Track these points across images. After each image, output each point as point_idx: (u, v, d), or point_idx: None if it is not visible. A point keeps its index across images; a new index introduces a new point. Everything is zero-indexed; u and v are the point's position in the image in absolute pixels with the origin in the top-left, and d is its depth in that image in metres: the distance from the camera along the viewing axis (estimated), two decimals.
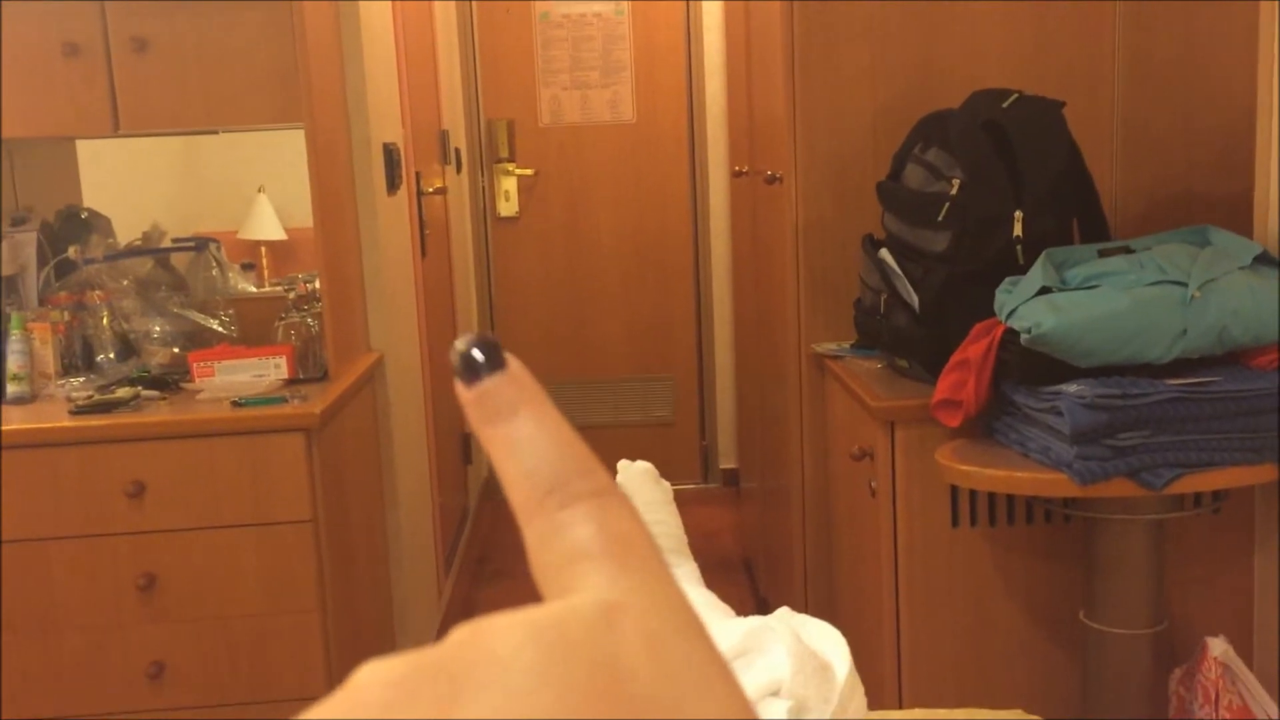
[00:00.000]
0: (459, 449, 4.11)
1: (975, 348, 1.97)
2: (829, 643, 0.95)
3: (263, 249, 3.03)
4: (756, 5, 3.00)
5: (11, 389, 2.32)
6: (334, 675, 2.26)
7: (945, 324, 2.10)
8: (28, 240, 2.51)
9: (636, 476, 1.20)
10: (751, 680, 0.90)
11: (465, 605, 3.60)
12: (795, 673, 0.89)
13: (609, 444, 4.70)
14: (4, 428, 2.19)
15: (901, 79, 2.48)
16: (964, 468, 1.92)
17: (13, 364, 2.32)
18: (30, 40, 2.31)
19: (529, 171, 4.55)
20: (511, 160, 4.54)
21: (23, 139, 2.61)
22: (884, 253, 2.24)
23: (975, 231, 2.07)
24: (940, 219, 2.09)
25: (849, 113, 2.51)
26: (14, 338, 2.32)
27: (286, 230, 3.04)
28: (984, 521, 2.12)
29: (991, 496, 2.10)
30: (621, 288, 4.67)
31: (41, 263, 2.53)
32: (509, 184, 4.55)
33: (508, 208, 4.58)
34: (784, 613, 0.98)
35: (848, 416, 2.37)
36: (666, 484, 1.23)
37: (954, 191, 2.08)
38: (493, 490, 4.66)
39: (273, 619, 2.22)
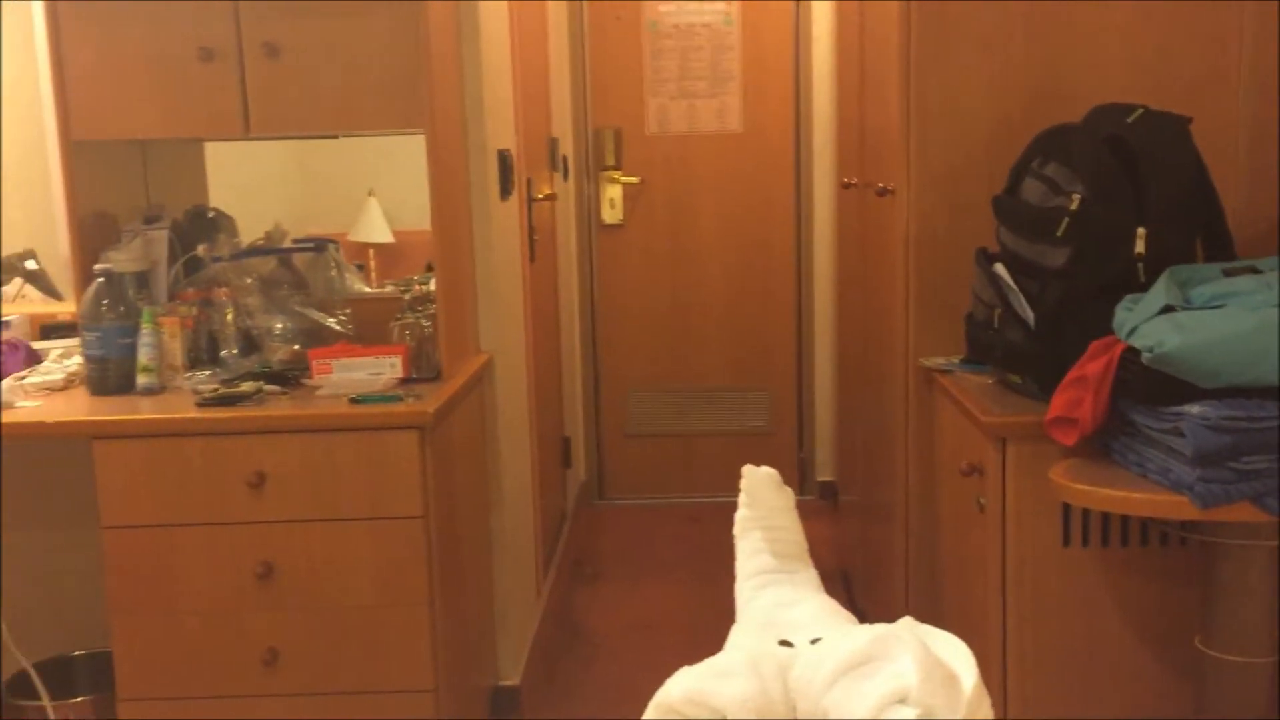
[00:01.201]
0: (559, 452, 4.15)
1: (1093, 365, 1.94)
2: (955, 654, 0.96)
3: (371, 251, 3.11)
4: (871, 10, 3.00)
5: (141, 380, 2.41)
6: (440, 668, 2.31)
7: (1061, 340, 2.07)
8: (160, 238, 2.61)
9: (761, 482, 1.22)
10: (877, 687, 0.91)
11: (562, 606, 3.64)
12: (923, 681, 0.89)
13: (704, 453, 4.72)
14: (134, 417, 2.28)
15: (1021, 91, 2.45)
16: (1079, 487, 1.90)
17: (143, 356, 2.41)
18: (168, 45, 2.41)
19: (634, 180, 4.59)
20: (617, 168, 4.58)
21: (158, 140, 2.73)
22: (999, 267, 2.22)
23: (1095, 247, 2.04)
24: (1059, 234, 2.06)
25: (965, 124, 2.49)
26: (144, 331, 2.42)
27: (394, 233, 3.12)
28: (1096, 542, 2.08)
29: (1105, 516, 2.06)
30: (723, 297, 4.68)
31: (171, 260, 2.63)
32: (614, 192, 4.60)
33: (612, 215, 4.62)
34: (908, 622, 0.98)
35: (956, 431, 2.35)
36: (789, 490, 1.24)
37: (1074, 207, 2.05)
38: (589, 494, 4.70)
39: (383, 611, 2.28)
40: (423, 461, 2.26)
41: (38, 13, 2.52)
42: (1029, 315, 2.13)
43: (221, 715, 2.28)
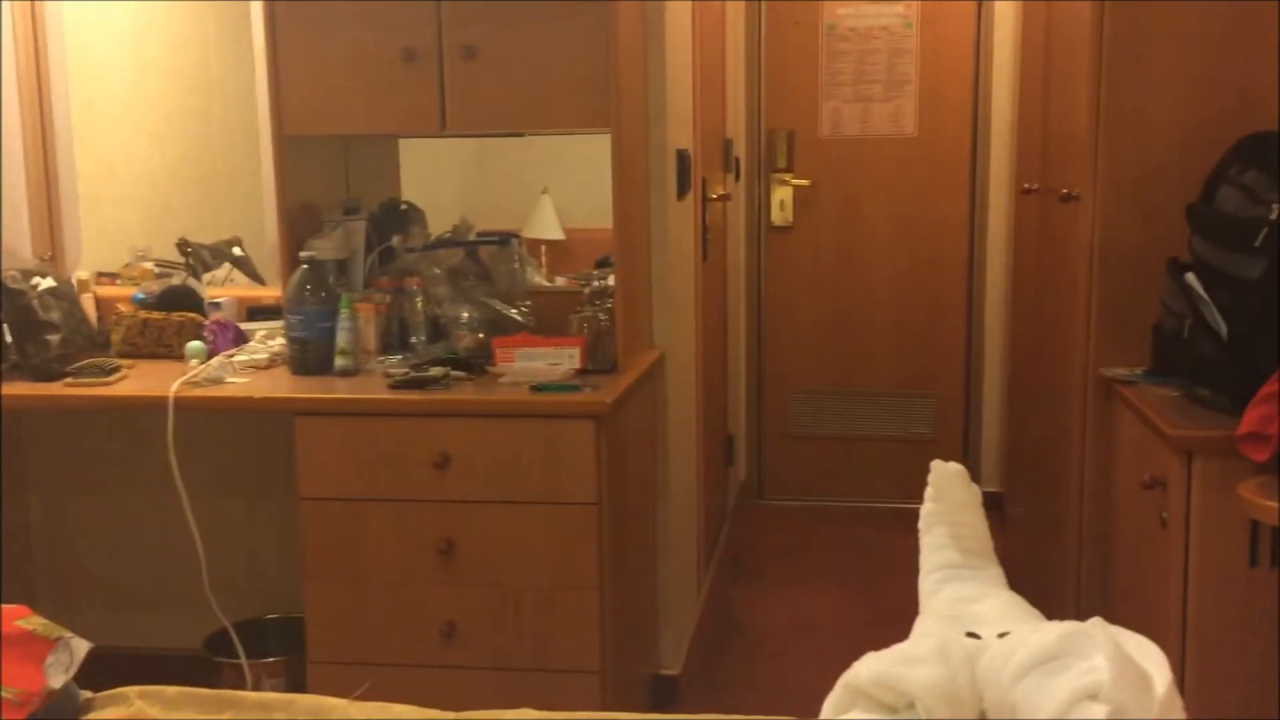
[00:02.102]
0: (723, 450, 4.20)
1: None
2: (1148, 656, 0.96)
3: (543, 247, 3.21)
4: (1060, 11, 2.95)
5: (338, 362, 2.55)
6: (607, 651, 2.38)
7: (1256, 354, 2.02)
8: (358, 228, 2.76)
9: (949, 477, 1.23)
10: (1068, 682, 0.92)
11: (722, 602, 3.68)
12: (1115, 679, 0.90)
13: (868, 457, 4.69)
14: (333, 396, 2.42)
15: (1218, 96, 2.39)
16: (1270, 503, 1.84)
17: (341, 339, 2.56)
18: (374, 46, 2.54)
19: (805, 182, 4.60)
20: (789, 170, 4.60)
21: (358, 135, 2.88)
22: (1191, 277, 2.17)
23: None
24: (1257, 244, 2.01)
25: (1157, 129, 2.43)
26: (343, 315, 2.56)
27: (564, 230, 3.21)
28: None
29: None
30: (890, 302, 4.64)
31: (368, 250, 2.77)
32: (785, 194, 4.62)
33: (782, 217, 4.64)
34: (1099, 622, 0.99)
35: (1138, 444, 2.30)
36: (976, 488, 1.25)
37: (1274, 216, 2.00)
38: (749, 494, 4.73)
39: (556, 592, 2.36)
40: (598, 450, 2.33)
41: (255, 13, 2.69)
42: (1222, 327, 2.07)
43: (401, 682, 2.40)
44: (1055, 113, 3.04)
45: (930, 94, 4.49)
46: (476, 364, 2.56)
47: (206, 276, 3.04)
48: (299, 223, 2.72)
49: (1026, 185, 3.50)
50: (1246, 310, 2.04)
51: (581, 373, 2.51)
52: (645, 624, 2.86)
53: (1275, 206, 2.00)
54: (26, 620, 1.57)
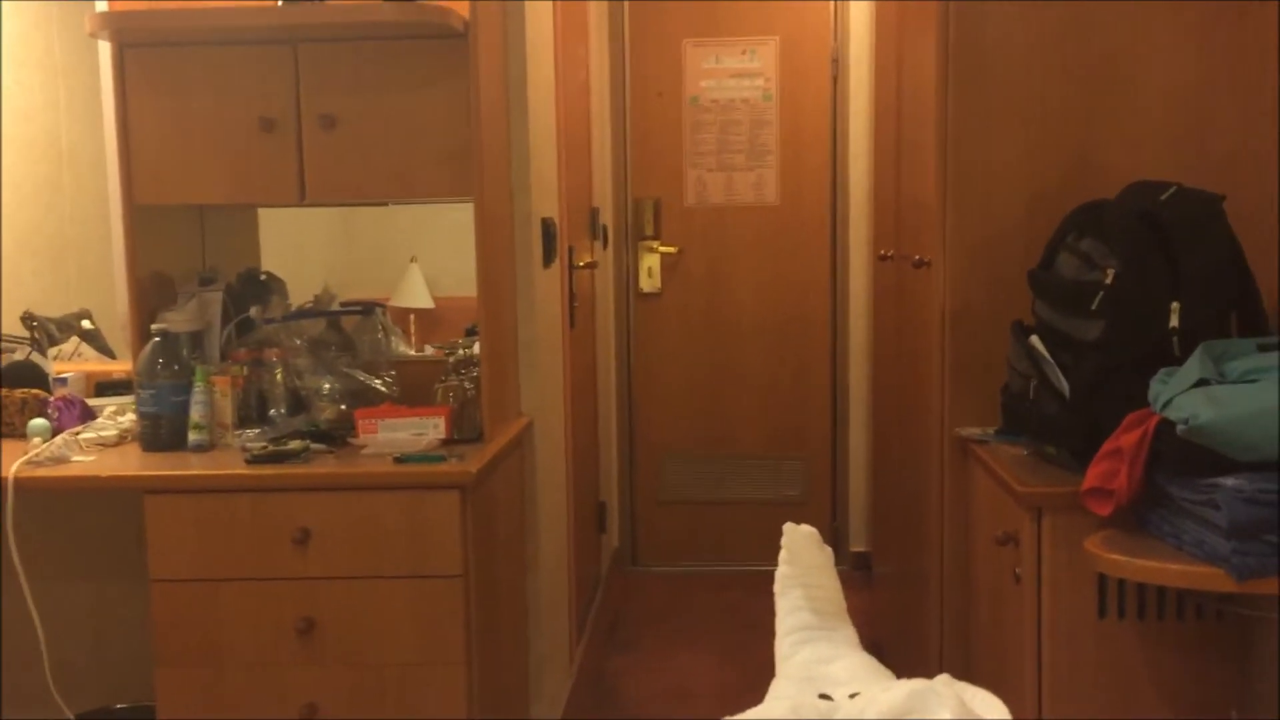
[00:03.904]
0: (595, 517, 4.18)
1: (1128, 437, 1.96)
2: (992, 711, 0.98)
3: (412, 316, 3.18)
4: (909, 84, 3.07)
5: (192, 437, 2.47)
6: None
7: (1096, 412, 2.10)
8: (214, 299, 2.69)
9: (801, 539, 1.25)
10: None
11: (595, 673, 3.64)
12: None
13: (739, 521, 4.73)
14: (186, 472, 2.34)
15: (1056, 167, 2.51)
16: (1114, 557, 1.91)
17: (195, 414, 2.48)
18: (231, 115, 2.51)
19: (672, 249, 4.67)
20: (656, 238, 4.66)
21: (214, 205, 2.82)
22: (1034, 339, 2.25)
23: (1130, 321, 2.07)
24: (1094, 308, 2.10)
25: (1001, 197, 2.54)
26: (197, 389, 2.48)
27: (434, 299, 3.20)
28: (1132, 614, 2.09)
29: (1141, 588, 2.07)
30: (758, 366, 4.72)
31: (225, 321, 2.70)
32: (652, 261, 4.68)
33: (650, 284, 4.69)
34: (946, 679, 1.01)
35: (991, 501, 2.37)
36: (829, 549, 1.27)
37: (1108, 281, 2.09)
38: (622, 561, 4.72)
39: (422, 669, 2.30)
40: (464, 521, 2.30)
41: (107, 81, 2.63)
42: (1064, 387, 2.16)
43: None
44: (907, 181, 3.15)
45: (791, 163, 4.62)
46: (338, 436, 2.51)
47: (53, 351, 2.92)
48: (151, 294, 2.64)
49: (883, 251, 3.62)
50: (1086, 370, 2.13)
51: (447, 443, 2.49)
52: (516, 697, 2.81)
53: (1109, 271, 2.10)
54: None
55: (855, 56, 4.48)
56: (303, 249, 3.18)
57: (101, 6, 2.65)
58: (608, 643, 3.94)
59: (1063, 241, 2.28)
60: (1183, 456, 1.86)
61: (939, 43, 2.55)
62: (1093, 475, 2.01)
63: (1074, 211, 2.31)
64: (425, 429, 2.49)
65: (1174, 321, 2.05)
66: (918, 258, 2.82)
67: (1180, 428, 1.83)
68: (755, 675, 3.61)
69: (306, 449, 2.40)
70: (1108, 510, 1.97)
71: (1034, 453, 2.30)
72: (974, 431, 2.53)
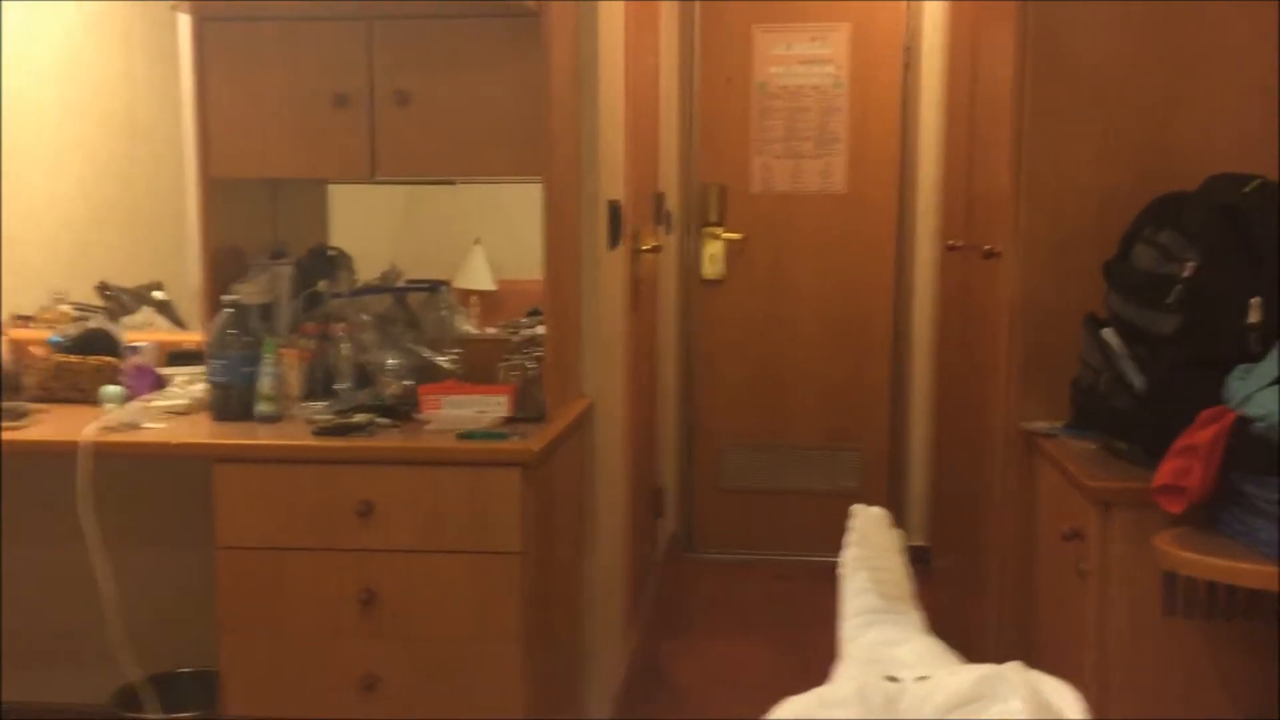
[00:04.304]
0: (652, 502, 4.18)
1: (1203, 434, 1.92)
2: (1065, 699, 0.96)
3: (474, 297, 3.19)
4: (984, 76, 3.03)
5: (261, 408, 2.51)
6: (529, 703, 2.34)
7: (1170, 408, 2.06)
8: (284, 273, 2.72)
9: (870, 521, 1.24)
10: None
11: (648, 656, 3.65)
12: None
13: (795, 511, 4.71)
14: (254, 442, 2.38)
15: (1133, 159, 2.46)
16: (1185, 554, 1.88)
17: (264, 385, 2.51)
18: (305, 91, 2.53)
19: (736, 236, 4.65)
20: (720, 224, 4.64)
21: (286, 180, 2.85)
22: (1107, 332, 2.22)
23: (1208, 315, 2.03)
24: (1170, 301, 2.06)
25: (1075, 190, 2.50)
26: (266, 361, 2.52)
27: (497, 282, 3.21)
28: (1200, 613, 2.04)
29: (1210, 587, 2.02)
30: (819, 355, 4.69)
31: (294, 295, 2.74)
32: (716, 247, 4.66)
33: (713, 270, 4.68)
34: (1017, 665, 0.99)
35: (1057, 496, 2.33)
36: (897, 532, 1.26)
37: (1186, 274, 2.05)
38: (678, 547, 4.72)
39: (478, 643, 2.32)
40: (524, 498, 2.31)
41: (185, 55, 2.67)
42: (1138, 381, 2.12)
43: None
44: (979, 172, 3.11)
45: (859, 151, 4.57)
46: (403, 411, 2.53)
47: (126, 320, 2.98)
48: (224, 267, 2.68)
49: (951, 242, 3.58)
50: (1161, 365, 2.09)
51: (509, 421, 2.50)
52: (570, 677, 2.82)
53: (1188, 264, 2.06)
54: None
55: (928, 45, 4.42)
56: (370, 227, 3.20)
57: None
58: (662, 627, 3.94)
59: (1140, 233, 2.24)
60: (1259, 454, 1.82)
61: (1016, 34, 2.52)
62: (1165, 471, 1.97)
63: (1153, 203, 2.26)
64: (488, 407, 2.51)
65: (1253, 317, 2.01)
66: (988, 248, 2.78)
67: (1258, 425, 1.79)
68: (809, 665, 3.59)
69: (371, 422, 2.43)
70: (1179, 507, 1.94)
71: (1103, 448, 2.26)
72: (1040, 425, 2.49)
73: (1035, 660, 2.52)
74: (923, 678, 1.01)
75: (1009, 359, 2.59)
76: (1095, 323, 2.29)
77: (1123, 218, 2.35)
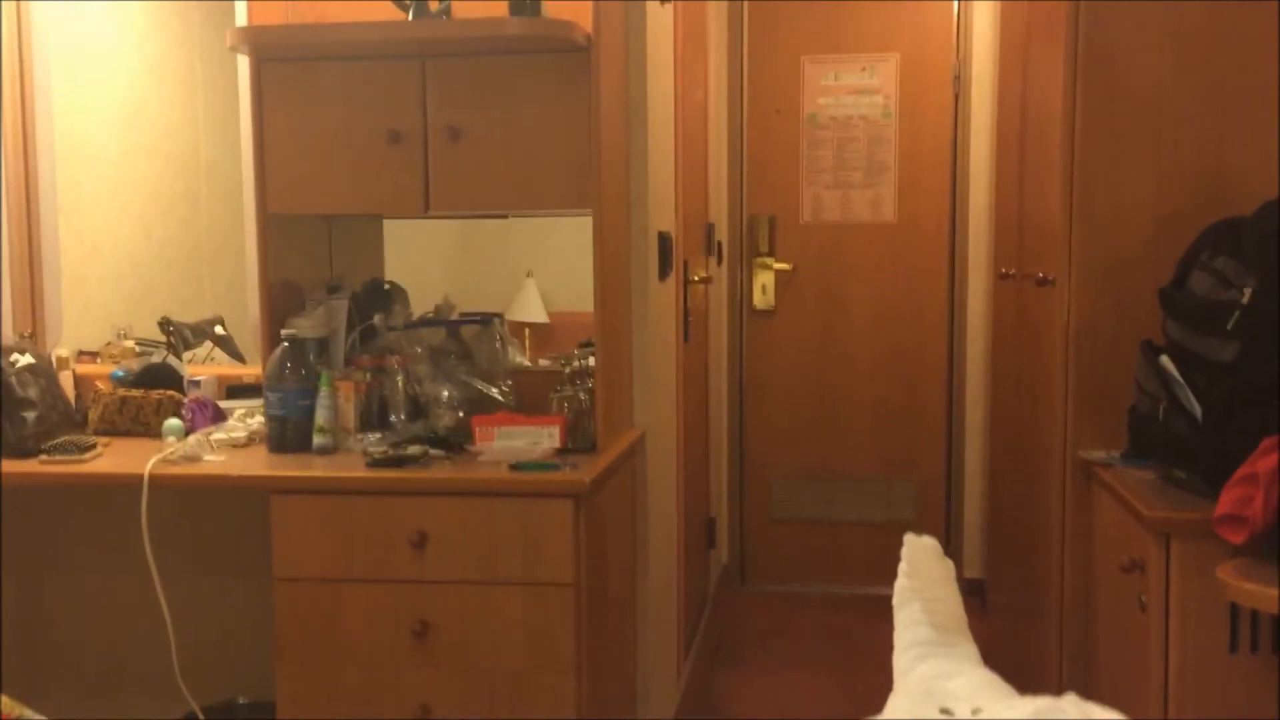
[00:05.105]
0: (704, 533, 4.17)
1: (1265, 462, 1.89)
2: None
3: (526, 329, 3.22)
4: (1034, 104, 3.01)
5: (317, 440, 2.54)
6: None
7: (1230, 436, 2.03)
8: (340, 307, 2.77)
9: (922, 551, 1.23)
10: None
11: (702, 689, 3.63)
12: None
13: (849, 542, 4.67)
14: (311, 474, 2.41)
15: (1188, 184, 2.44)
16: (1249, 586, 1.84)
17: (320, 417, 2.55)
18: (359, 128, 2.58)
19: (787, 266, 4.65)
20: (771, 255, 4.65)
21: (342, 215, 2.90)
22: (1165, 360, 2.19)
23: (1268, 342, 1.99)
24: (1229, 328, 2.03)
25: (1129, 216, 2.47)
26: (322, 394, 2.56)
27: (549, 314, 3.23)
28: (1266, 647, 2.00)
29: (1276, 620, 1.98)
30: (871, 385, 4.66)
31: (349, 328, 2.78)
32: (766, 278, 4.66)
33: (764, 301, 4.68)
34: (1074, 699, 0.98)
35: (1116, 527, 2.30)
36: (950, 562, 1.25)
37: (1245, 300, 2.02)
38: (731, 579, 4.70)
39: (532, 675, 2.32)
40: (576, 529, 2.32)
41: (245, 96, 2.73)
42: (1196, 409, 2.09)
43: None
44: (1030, 199, 3.09)
45: (909, 181, 4.56)
46: (456, 443, 2.55)
47: (188, 355, 3.04)
48: (281, 301, 2.73)
49: (1004, 270, 3.55)
50: (1220, 392, 2.05)
51: (561, 452, 2.51)
52: (623, 708, 2.82)
53: (1246, 290, 2.03)
54: None
55: (978, 73, 4.41)
56: (423, 261, 3.25)
57: (241, 23, 2.76)
58: (715, 659, 3.92)
59: (1197, 259, 2.21)
60: None
61: (1067, 59, 2.50)
62: (1226, 501, 1.93)
63: (1209, 229, 2.24)
64: (540, 438, 2.52)
65: None
66: (1041, 276, 2.76)
67: None
68: (863, 699, 3.56)
69: (425, 454, 2.45)
70: (1241, 538, 1.90)
71: (1162, 476, 2.23)
72: (1098, 454, 2.46)
73: (1093, 693, 2.47)
74: (977, 711, 1.00)
75: (1065, 387, 2.56)
76: (1152, 349, 2.26)
77: (1178, 243, 2.32)
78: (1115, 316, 2.48)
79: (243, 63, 2.75)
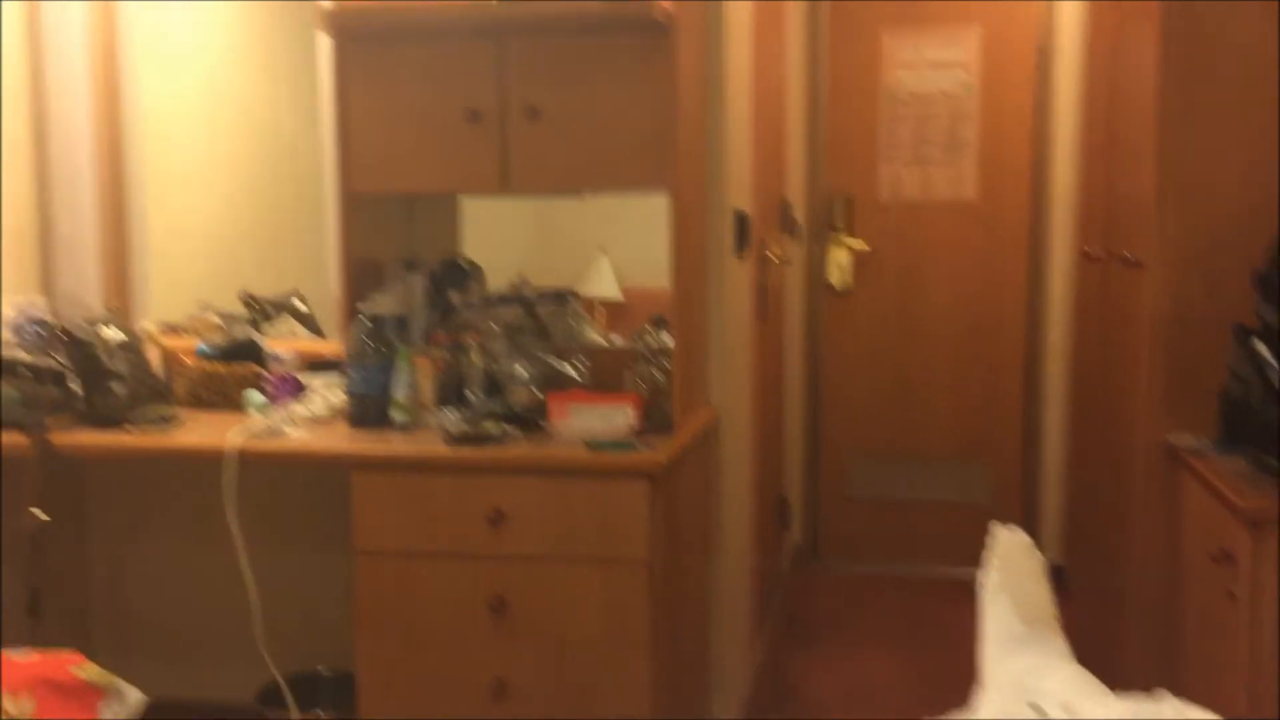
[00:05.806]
0: (778, 512, 4.16)
1: None
2: None
3: (600, 306, 3.22)
4: (1125, 78, 2.93)
5: (396, 416, 2.57)
6: (658, 711, 2.35)
7: None
8: (418, 284, 2.79)
9: (1014, 546, 1.21)
10: None
11: (776, 666, 3.62)
12: None
13: (924, 522, 4.62)
14: (392, 450, 2.44)
15: None
16: None
17: (399, 393, 2.58)
18: (439, 107, 2.59)
19: (864, 246, 4.59)
20: (848, 234, 4.59)
21: (423, 194, 2.92)
22: (1258, 344, 2.12)
23: None
24: None
25: (1223, 196, 2.40)
26: (401, 370, 2.58)
27: (622, 290, 3.22)
28: None
29: None
30: (948, 367, 4.60)
31: (427, 305, 2.80)
32: (843, 257, 4.61)
33: (840, 280, 4.63)
34: (1171, 698, 0.96)
35: (1205, 515, 2.24)
36: (1040, 556, 1.23)
37: None
38: (804, 558, 4.68)
39: (606, 650, 2.34)
40: (652, 509, 2.32)
41: (326, 76, 2.76)
42: None
43: None
44: (1119, 178, 3.02)
45: (991, 158, 4.47)
46: (530, 419, 2.56)
47: (267, 329, 3.08)
48: (361, 278, 2.76)
49: (1087, 250, 3.47)
50: None
51: (636, 431, 2.51)
52: (697, 685, 2.82)
53: None
54: (80, 667, 1.58)
55: (1062, 47, 4.30)
56: (498, 238, 3.26)
57: (325, 5, 2.78)
58: (788, 639, 3.91)
59: None
60: None
61: (1160, 34, 2.43)
62: None
63: None
64: (615, 416, 2.52)
65: None
66: (1128, 256, 2.69)
67: None
68: (939, 681, 3.53)
69: (504, 432, 2.47)
70: None
71: (1254, 464, 2.17)
72: (1186, 440, 2.40)
73: (1181, 686, 2.42)
74: (1068, 707, 0.98)
75: (1151, 370, 2.50)
76: (1245, 333, 2.19)
77: (1273, 224, 2.25)
78: (1206, 299, 2.41)
79: (323, 43, 2.77)
